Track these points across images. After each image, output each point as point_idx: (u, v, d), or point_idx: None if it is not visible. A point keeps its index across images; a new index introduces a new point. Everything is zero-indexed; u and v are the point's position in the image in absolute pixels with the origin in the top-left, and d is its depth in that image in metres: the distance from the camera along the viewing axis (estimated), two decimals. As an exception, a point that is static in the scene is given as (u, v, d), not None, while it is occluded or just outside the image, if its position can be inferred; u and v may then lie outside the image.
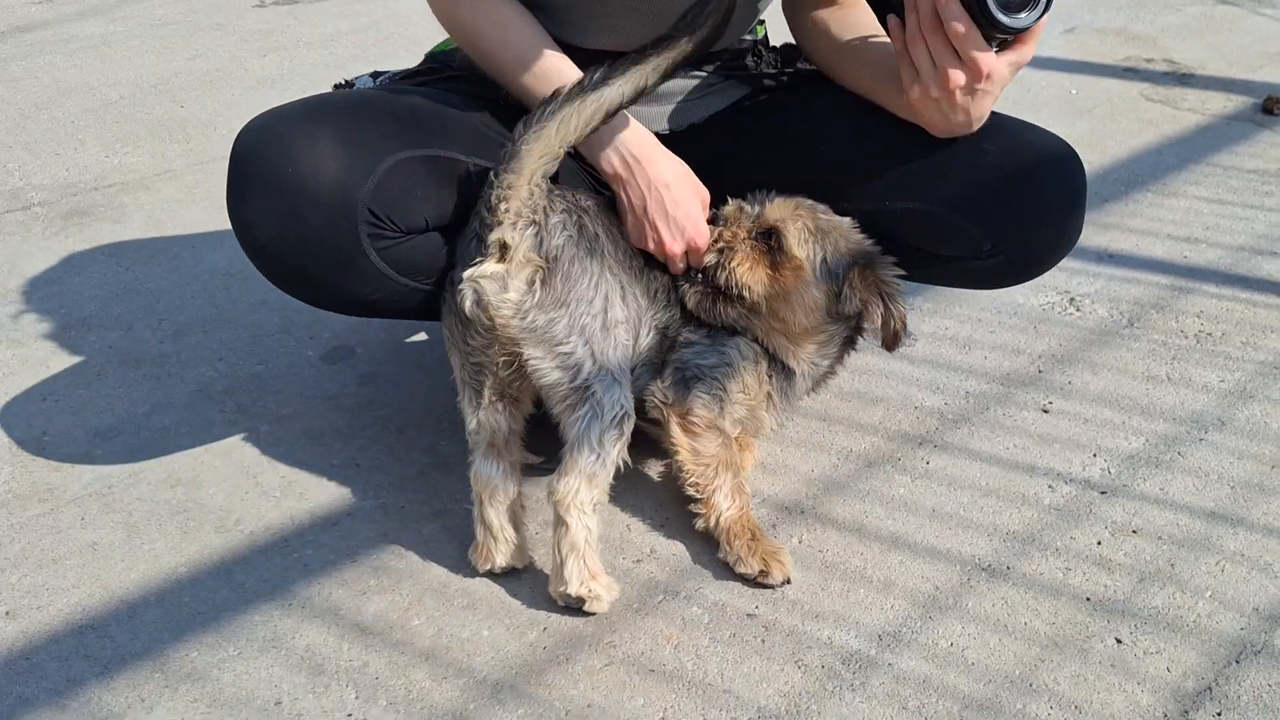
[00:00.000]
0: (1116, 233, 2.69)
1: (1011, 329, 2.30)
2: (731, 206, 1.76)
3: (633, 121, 1.66)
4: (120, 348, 2.27)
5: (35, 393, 2.12)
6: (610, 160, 1.66)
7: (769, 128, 1.89)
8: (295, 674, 1.49)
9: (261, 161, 1.47)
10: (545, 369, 1.54)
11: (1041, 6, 1.54)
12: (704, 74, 1.88)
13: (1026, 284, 2.39)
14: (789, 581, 1.62)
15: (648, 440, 1.78)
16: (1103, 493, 1.82)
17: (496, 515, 1.62)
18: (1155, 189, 2.92)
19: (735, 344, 1.76)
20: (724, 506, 1.66)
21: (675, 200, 1.67)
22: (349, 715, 1.43)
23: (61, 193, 2.96)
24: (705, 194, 1.74)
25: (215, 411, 2.06)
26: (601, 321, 1.57)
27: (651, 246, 1.69)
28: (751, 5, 1.80)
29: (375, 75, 1.95)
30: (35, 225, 2.79)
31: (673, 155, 1.70)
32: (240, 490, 1.85)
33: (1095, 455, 1.91)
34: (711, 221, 1.74)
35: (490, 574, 1.64)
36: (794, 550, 1.70)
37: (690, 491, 1.69)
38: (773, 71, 1.94)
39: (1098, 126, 3.33)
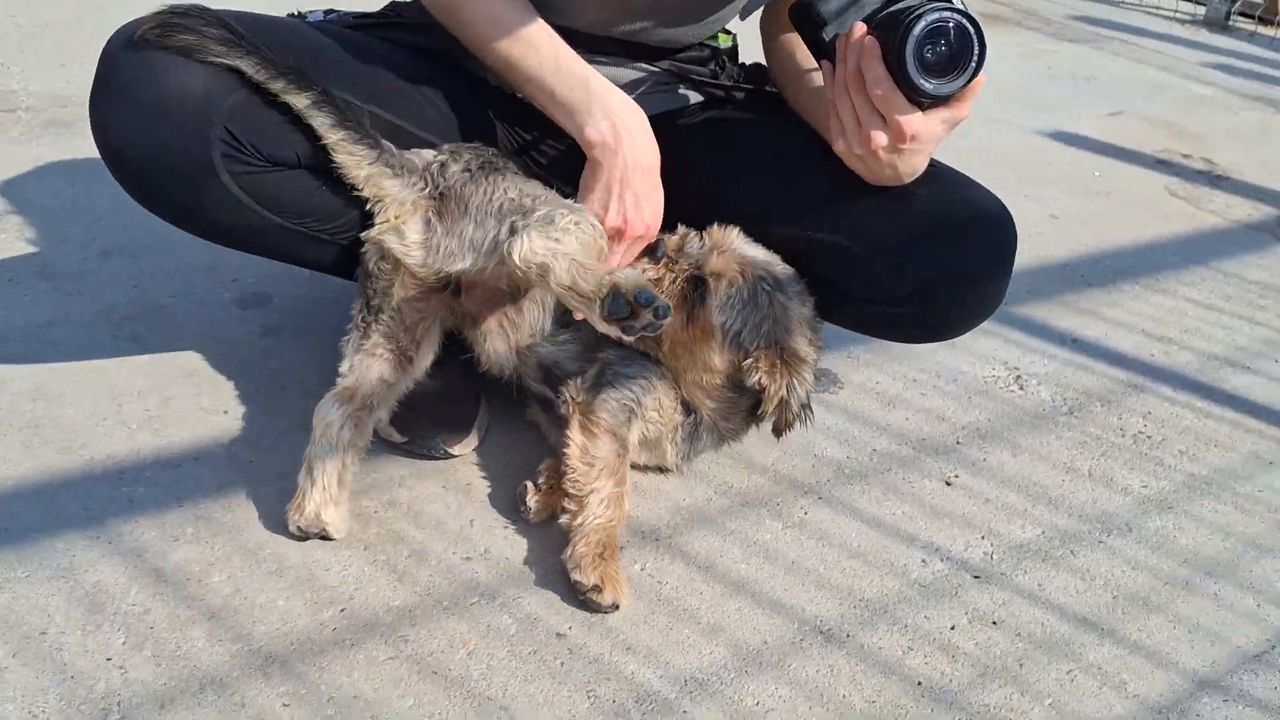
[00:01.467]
0: (1089, 319, 2.56)
1: (944, 395, 2.19)
2: (675, 238, 1.67)
3: (622, 93, 1.60)
4: (45, 259, 2.25)
5: (-58, 287, 2.11)
6: (599, 127, 1.58)
7: (713, 138, 1.82)
8: (73, 607, 1.44)
9: (127, 68, 1.43)
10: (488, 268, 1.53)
11: (969, 73, 1.46)
12: (656, 70, 1.81)
13: (974, 354, 2.32)
14: (616, 607, 1.54)
15: (525, 442, 1.72)
16: (976, 577, 1.71)
17: (323, 464, 1.56)
18: (1145, 283, 2.79)
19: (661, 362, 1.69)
20: (594, 511, 1.58)
21: (650, 185, 1.62)
22: (108, 659, 1.37)
23: (51, 102, 2.97)
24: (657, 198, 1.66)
25: (109, 335, 2.03)
26: (506, 202, 1.53)
27: (615, 221, 1.61)
28: (699, 8, 1.72)
29: (329, 12, 1.90)
30: (14, 128, 2.80)
31: (655, 142, 1.63)
32: (99, 416, 1.81)
33: (983, 538, 1.80)
34: (653, 250, 1.67)
35: (302, 534, 1.57)
36: (633, 576, 1.62)
37: (568, 488, 1.61)
38: (729, 84, 1.87)
39: (1108, 210, 3.20)
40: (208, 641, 1.41)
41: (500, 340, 1.72)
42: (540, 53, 1.56)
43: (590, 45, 1.71)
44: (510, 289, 1.69)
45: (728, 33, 1.87)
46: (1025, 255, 2.82)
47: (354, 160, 1.51)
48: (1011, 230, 1.66)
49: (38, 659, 1.35)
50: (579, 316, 1.49)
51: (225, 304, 2.18)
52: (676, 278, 1.64)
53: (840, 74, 1.51)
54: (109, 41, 1.47)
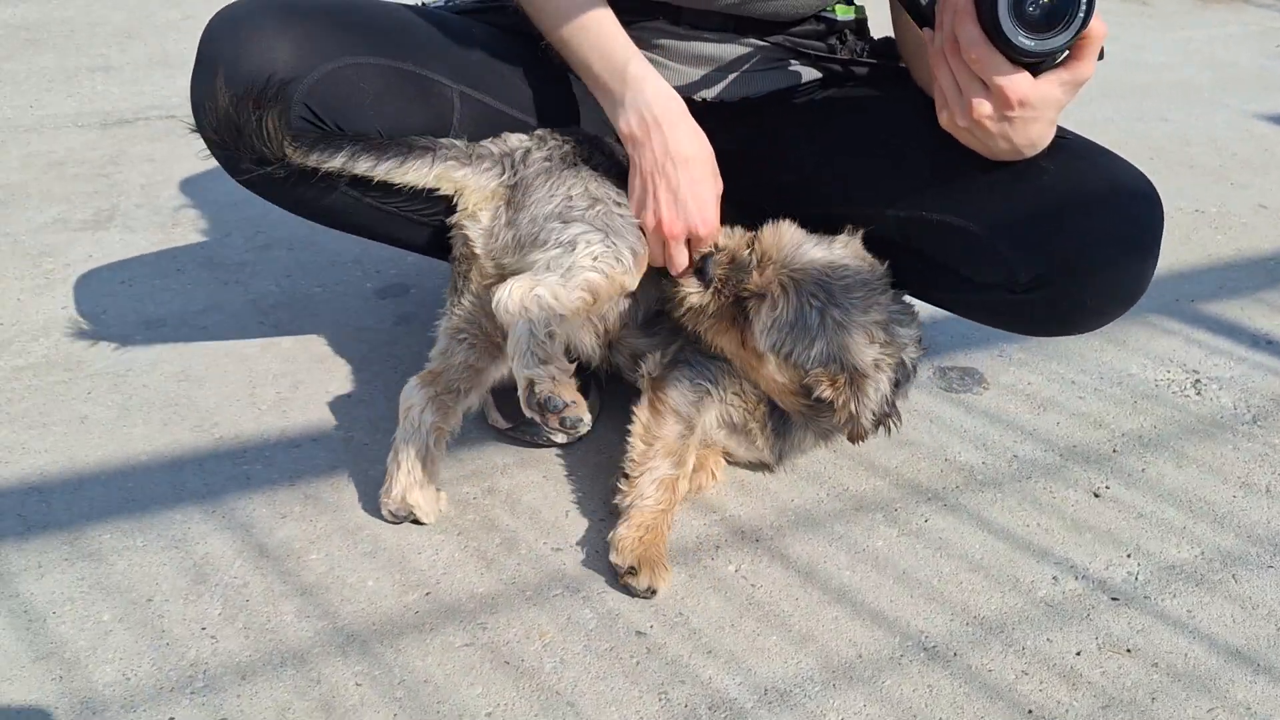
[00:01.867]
0: (1291, 317, 2.28)
1: (1105, 399, 1.99)
2: (724, 255, 1.55)
3: (662, 81, 1.54)
4: (211, 251, 2.39)
5: (119, 274, 2.27)
6: (628, 119, 1.53)
7: (821, 118, 1.72)
8: (179, 577, 1.50)
9: (217, 47, 1.48)
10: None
11: (1075, 26, 1.30)
12: (766, 45, 1.72)
13: (1148, 354, 2.11)
14: (654, 592, 1.48)
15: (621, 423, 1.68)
16: (1114, 599, 1.54)
17: (407, 447, 1.57)
18: (1367, 277, 2.45)
19: None
20: (645, 492, 1.54)
21: (692, 179, 1.53)
22: (203, 629, 1.42)
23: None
24: (720, 186, 1.59)
25: (256, 322, 2.13)
26: (558, 206, 1.52)
27: (650, 222, 1.55)
28: None
29: (449, 2, 1.93)
30: (195, 135, 3.00)
31: (700, 131, 1.56)
32: (234, 397, 1.89)
33: (1129, 556, 1.62)
34: (702, 270, 1.55)
35: (394, 517, 1.59)
36: (726, 577, 1.54)
37: (625, 466, 1.58)
38: (849, 59, 1.76)
39: (1330, 198, 2.85)
40: (296, 617, 1.45)
41: (586, 332, 1.68)
42: (588, 35, 1.52)
43: (695, 20, 1.66)
44: None
45: (850, 3, 1.76)
46: (1224, 247, 2.56)
47: (416, 174, 1.53)
48: (1155, 206, 1.48)
49: (140, 624, 1.42)
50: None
51: (366, 294, 2.25)
52: (724, 300, 1.54)
53: (939, 39, 1.39)
54: (208, 26, 1.52)
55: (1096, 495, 1.75)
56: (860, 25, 1.79)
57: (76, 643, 1.39)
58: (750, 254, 1.54)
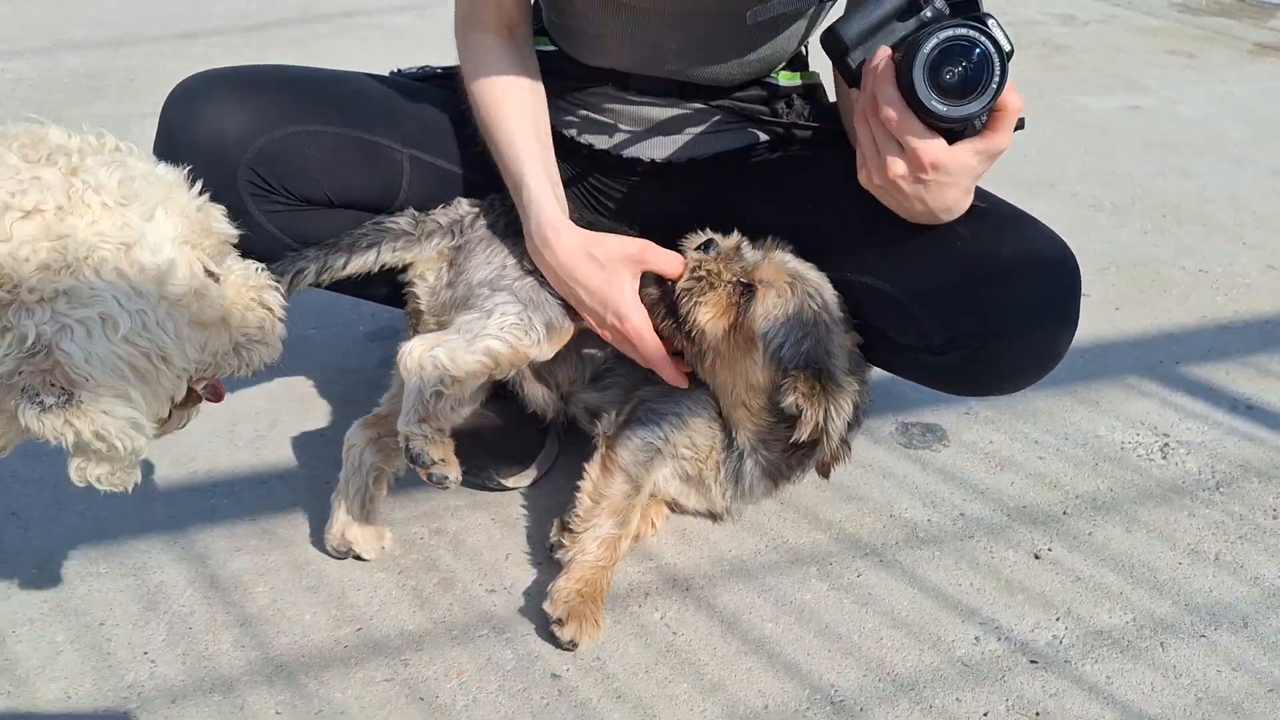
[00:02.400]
0: (1275, 383, 2.25)
1: (1066, 460, 1.99)
2: (731, 241, 1.63)
3: (546, 199, 1.59)
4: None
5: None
6: (529, 235, 1.61)
7: (770, 179, 1.78)
8: (132, 603, 1.60)
9: (172, 112, 1.60)
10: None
11: (987, 95, 1.34)
12: (712, 109, 1.79)
13: (1119, 416, 2.10)
14: (575, 645, 1.53)
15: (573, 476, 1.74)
16: (1033, 661, 1.54)
17: (347, 485, 1.66)
18: (1366, 342, 2.41)
19: (698, 397, 1.68)
20: (587, 548, 1.59)
21: (592, 286, 1.58)
22: (145, 653, 1.51)
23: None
24: (634, 251, 1.59)
25: (248, 361, 2.24)
26: (491, 273, 1.61)
27: (586, 320, 1.63)
28: (759, 44, 1.69)
29: (422, 68, 2.03)
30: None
31: (582, 242, 1.58)
32: (215, 433, 2.00)
33: (1058, 619, 1.62)
34: (706, 246, 1.61)
35: (336, 553, 1.68)
36: (649, 625, 1.59)
37: (570, 522, 1.63)
38: (794, 123, 1.81)
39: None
40: (232, 646, 1.53)
41: (537, 387, 1.75)
42: (497, 143, 1.63)
43: (642, 86, 1.73)
44: None
45: (795, 71, 1.81)
46: (1222, 308, 2.54)
47: (366, 263, 1.64)
48: (1069, 275, 1.50)
49: (89, 646, 1.52)
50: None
51: (358, 336, 2.35)
52: (730, 280, 1.59)
53: (861, 100, 1.44)
54: (170, 93, 1.64)
55: (1037, 557, 1.75)
56: (810, 90, 1.84)
57: (29, 661, 1.49)
58: (755, 251, 1.62)
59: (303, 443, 1.98)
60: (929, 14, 1.41)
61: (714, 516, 1.80)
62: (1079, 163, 3.42)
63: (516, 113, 1.62)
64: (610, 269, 1.56)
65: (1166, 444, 2.05)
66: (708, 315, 1.59)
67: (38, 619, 1.56)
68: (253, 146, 1.58)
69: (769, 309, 1.56)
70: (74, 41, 4.36)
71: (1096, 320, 2.46)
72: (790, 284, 1.57)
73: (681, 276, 1.60)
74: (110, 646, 1.52)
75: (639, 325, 1.57)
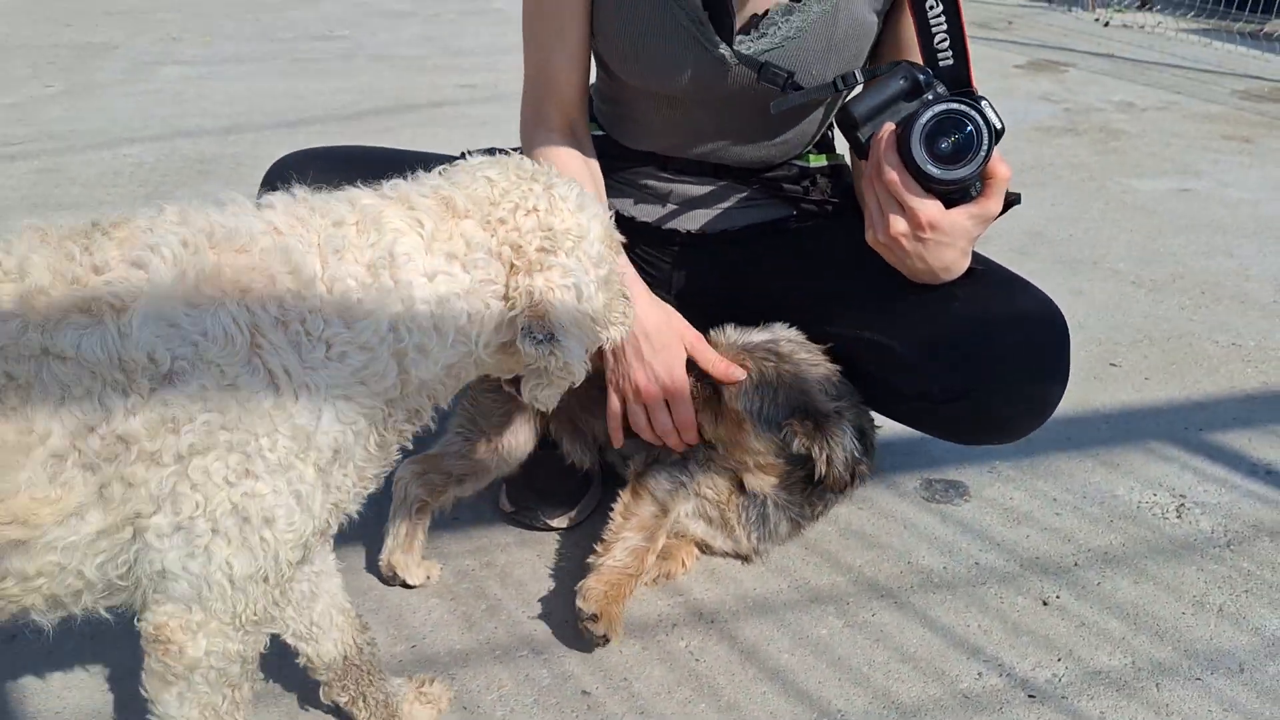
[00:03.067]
0: (1298, 449, 2.33)
1: (1081, 516, 2.10)
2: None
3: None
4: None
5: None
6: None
7: (790, 248, 1.96)
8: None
9: (269, 183, 1.86)
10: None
11: (976, 162, 1.52)
12: (744, 187, 1.99)
13: (1138, 477, 2.21)
14: (607, 641, 1.70)
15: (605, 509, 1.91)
16: (1030, 696, 1.65)
17: (394, 516, 1.86)
18: (1394, 414, 2.47)
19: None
20: (616, 555, 1.76)
21: (654, 347, 1.74)
22: (226, 659, 1.71)
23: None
24: (691, 336, 1.78)
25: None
26: None
27: (628, 389, 1.77)
28: (787, 130, 1.89)
29: (490, 150, 2.27)
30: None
31: (659, 302, 1.77)
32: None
33: (1059, 659, 1.73)
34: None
35: (387, 576, 1.87)
36: (674, 652, 1.74)
37: (604, 534, 1.81)
38: (817, 198, 2.00)
39: (1379, 335, 2.85)
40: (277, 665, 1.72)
41: (574, 440, 1.94)
42: None
43: (679, 166, 1.94)
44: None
45: (824, 153, 2.01)
46: (1250, 380, 2.63)
47: None
48: (1057, 332, 1.65)
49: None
50: None
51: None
52: (695, 388, 1.77)
53: (869, 167, 1.62)
54: (269, 168, 1.90)
55: (1045, 603, 1.86)
56: (835, 170, 2.03)
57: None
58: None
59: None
60: (930, 96, 1.61)
61: (742, 558, 1.95)
62: (1124, 242, 3.53)
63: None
64: (674, 339, 1.76)
65: (1182, 504, 2.14)
66: (702, 419, 1.80)
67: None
68: None
69: (734, 388, 1.76)
70: (188, 130, 4.78)
71: (1124, 389, 2.57)
72: (742, 358, 1.77)
73: (735, 379, 1.76)
74: (196, 653, 1.72)
75: (685, 388, 1.75)
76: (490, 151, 2.20)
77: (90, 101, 5.22)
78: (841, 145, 2.03)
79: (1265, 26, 6.65)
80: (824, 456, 1.72)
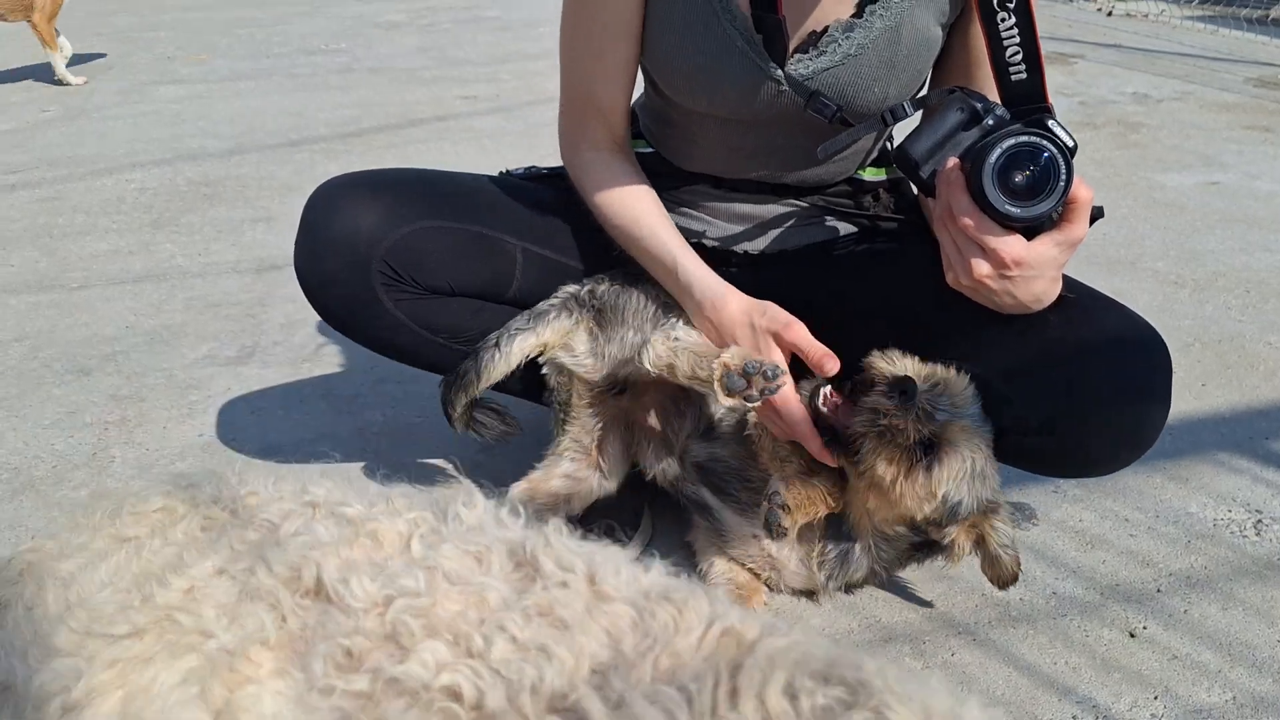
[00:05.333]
0: (1372, 457, 2.24)
1: (1157, 537, 2.01)
2: (926, 384, 1.58)
3: (705, 274, 1.72)
4: (330, 384, 2.69)
5: (251, 405, 2.58)
6: (693, 316, 1.75)
7: (854, 269, 1.87)
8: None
9: (314, 212, 1.79)
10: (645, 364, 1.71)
11: (1056, 195, 1.42)
12: (801, 204, 1.90)
13: (1210, 492, 2.12)
14: (785, 532, 1.67)
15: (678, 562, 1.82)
16: (1132, 740, 1.56)
17: None
18: None
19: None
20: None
21: (745, 340, 1.68)
22: None
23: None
24: (781, 319, 1.67)
25: (360, 449, 2.38)
26: (652, 308, 1.79)
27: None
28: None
29: (529, 169, 2.18)
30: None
31: (747, 300, 1.70)
32: (331, 518, 2.13)
33: (1156, 697, 1.64)
34: (903, 395, 1.56)
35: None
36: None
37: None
38: (881, 215, 1.91)
39: None
40: None
41: (661, 446, 1.86)
42: (646, 240, 1.76)
43: (734, 186, 1.85)
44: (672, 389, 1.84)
45: (881, 167, 1.92)
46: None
47: (513, 358, 1.81)
48: (1158, 353, 1.56)
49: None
50: (725, 402, 1.61)
51: (460, 424, 2.48)
52: (914, 438, 1.57)
53: (937, 208, 1.53)
54: (312, 194, 1.81)
55: (1132, 635, 1.77)
56: (895, 184, 1.94)
57: None
58: (939, 393, 1.59)
59: (413, 527, 2.09)
60: (990, 121, 1.51)
61: (812, 595, 1.86)
62: (1159, 240, 3.45)
63: (651, 211, 1.77)
64: (764, 338, 1.65)
65: (1260, 520, 2.05)
66: (885, 467, 1.59)
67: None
68: (384, 242, 1.74)
69: (953, 473, 1.58)
70: (190, 152, 4.68)
71: (1183, 397, 2.48)
72: (972, 444, 1.59)
73: (826, 371, 1.63)
74: None
75: (786, 394, 1.62)
76: (529, 169, 2.13)
77: (88, 125, 5.13)
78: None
79: (1271, 12, 6.57)
80: (965, 554, 1.64)
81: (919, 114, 1.65)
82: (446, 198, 1.85)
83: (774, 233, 1.89)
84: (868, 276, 1.85)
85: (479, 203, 1.87)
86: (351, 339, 1.92)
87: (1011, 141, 1.42)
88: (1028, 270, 1.49)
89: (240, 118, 5.22)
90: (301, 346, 2.90)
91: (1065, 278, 1.58)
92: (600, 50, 1.74)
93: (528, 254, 1.86)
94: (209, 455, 2.36)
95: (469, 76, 5.94)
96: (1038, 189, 1.43)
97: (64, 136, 4.94)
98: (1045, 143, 1.41)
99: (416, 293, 1.80)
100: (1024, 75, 1.53)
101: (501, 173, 2.16)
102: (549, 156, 2.16)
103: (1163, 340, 1.58)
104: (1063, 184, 1.43)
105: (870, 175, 1.91)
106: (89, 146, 4.75)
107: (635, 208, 1.76)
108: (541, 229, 1.88)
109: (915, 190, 1.81)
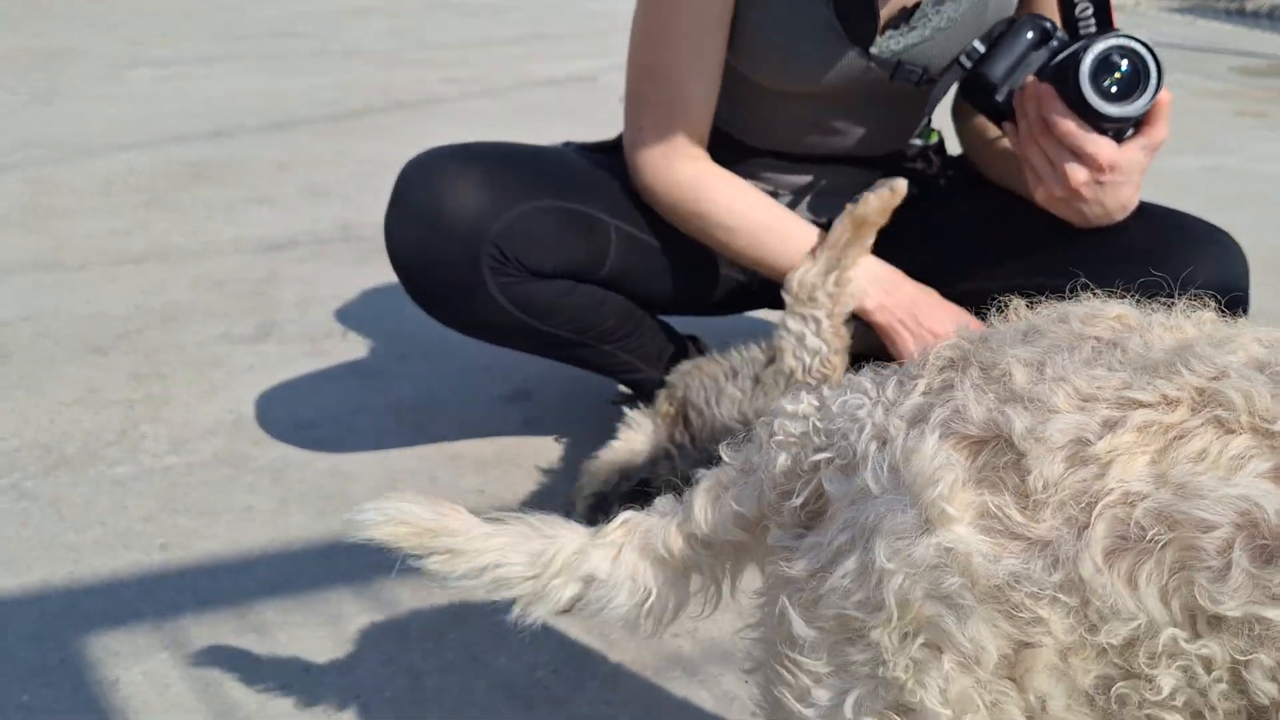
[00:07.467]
0: None
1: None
2: None
3: (874, 263, 1.73)
4: (355, 360, 2.62)
5: (276, 381, 2.51)
6: (869, 299, 1.74)
7: (922, 219, 1.87)
8: (335, 648, 1.65)
9: (415, 190, 1.70)
10: None
11: (1150, 90, 1.45)
12: (870, 174, 1.88)
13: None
14: None
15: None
16: None
17: None
18: None
19: None
20: None
21: (935, 304, 1.74)
22: (356, 696, 1.56)
23: (377, 231, 3.45)
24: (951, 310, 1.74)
25: (395, 423, 2.32)
26: None
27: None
28: (910, 115, 1.80)
29: (566, 144, 2.13)
30: (348, 255, 3.29)
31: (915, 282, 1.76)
32: (379, 489, 2.03)
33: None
34: None
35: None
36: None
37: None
38: (936, 173, 1.92)
39: None
40: (440, 683, 1.57)
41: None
42: (796, 244, 1.74)
43: (797, 157, 1.86)
44: None
45: (931, 130, 1.93)
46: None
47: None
48: (1233, 252, 1.61)
49: (301, 691, 1.57)
50: None
51: (495, 399, 2.43)
52: None
53: (1024, 125, 1.53)
54: (404, 168, 1.75)
55: None
56: (940, 146, 1.95)
57: (247, 705, 1.54)
58: None
59: (464, 497, 2.04)
60: (1056, 42, 1.56)
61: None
62: (1168, 219, 3.48)
63: (762, 203, 1.76)
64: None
65: None
66: None
67: (246, 665, 1.61)
68: (496, 225, 1.67)
69: None
70: (172, 133, 4.56)
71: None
72: None
73: None
74: (319, 691, 1.57)
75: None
76: (567, 144, 2.08)
77: (63, 108, 4.97)
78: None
79: (1248, 3, 6.71)
80: None
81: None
82: (542, 173, 1.78)
83: (836, 199, 1.87)
84: (938, 222, 1.87)
85: (572, 178, 1.81)
86: (441, 321, 1.85)
87: (1102, 45, 1.46)
88: (1119, 175, 1.52)
89: (217, 98, 5.10)
90: (318, 324, 2.82)
91: None
92: (699, 46, 1.68)
93: (620, 232, 1.81)
94: (240, 431, 2.28)
95: (445, 60, 5.85)
96: (1129, 90, 1.45)
97: (39, 119, 4.78)
98: (1134, 43, 1.45)
99: (521, 276, 1.73)
100: (1095, 32, 1.55)
101: (566, 143, 2.11)
102: (543, 140, 2.10)
103: (1233, 240, 1.64)
104: (1154, 80, 1.45)
105: (931, 139, 1.92)
106: (68, 128, 4.60)
107: (770, 207, 1.75)
108: (627, 206, 1.83)
109: (967, 131, 1.82)
